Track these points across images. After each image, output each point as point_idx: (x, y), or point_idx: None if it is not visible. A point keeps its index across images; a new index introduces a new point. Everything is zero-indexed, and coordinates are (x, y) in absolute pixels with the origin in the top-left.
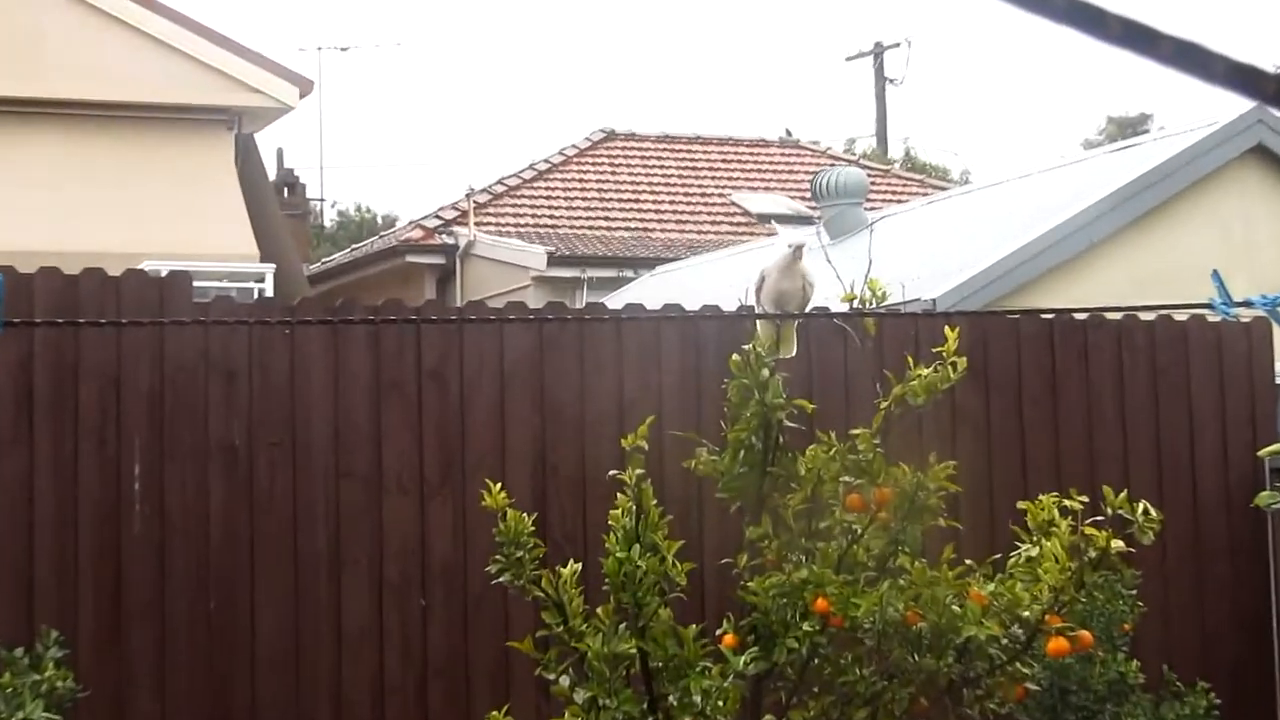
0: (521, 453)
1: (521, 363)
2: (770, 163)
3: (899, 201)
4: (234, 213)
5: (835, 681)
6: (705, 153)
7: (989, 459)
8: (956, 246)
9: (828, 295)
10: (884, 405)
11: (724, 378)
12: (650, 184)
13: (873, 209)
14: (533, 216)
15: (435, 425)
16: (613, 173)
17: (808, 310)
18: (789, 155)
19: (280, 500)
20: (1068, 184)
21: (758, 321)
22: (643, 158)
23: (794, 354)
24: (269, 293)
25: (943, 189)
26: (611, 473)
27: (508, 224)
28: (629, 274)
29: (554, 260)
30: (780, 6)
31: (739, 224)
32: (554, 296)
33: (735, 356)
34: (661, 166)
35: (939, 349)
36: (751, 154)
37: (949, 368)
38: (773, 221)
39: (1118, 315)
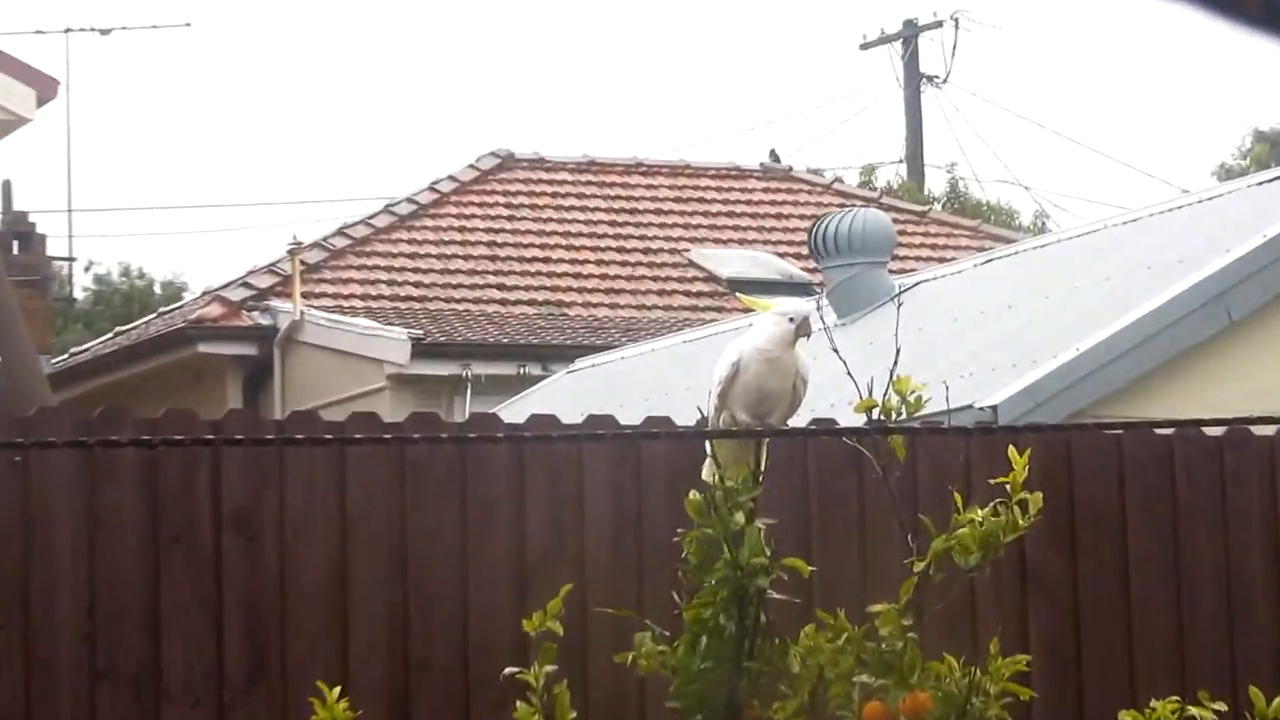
0: (373, 639)
1: (373, 504)
2: (748, 202)
3: (941, 260)
4: None
5: None
6: (650, 188)
7: (1077, 646)
8: (1027, 328)
9: (835, 401)
10: (919, 566)
11: (677, 525)
12: (567, 235)
13: (902, 272)
14: (390, 284)
15: (242, 598)
16: (510, 218)
17: (801, 424)
18: (776, 191)
19: (6, 712)
20: (1194, 231)
21: (716, 436)
22: (555, 195)
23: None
24: None
25: (1006, 240)
26: (508, 670)
27: (352, 295)
28: (534, 370)
29: (422, 349)
30: None
31: (699, 294)
32: (423, 404)
33: (694, 494)
34: (584, 209)
35: (1001, 480)
36: (719, 190)
37: (1015, 510)
38: (750, 290)
39: (1270, 429)
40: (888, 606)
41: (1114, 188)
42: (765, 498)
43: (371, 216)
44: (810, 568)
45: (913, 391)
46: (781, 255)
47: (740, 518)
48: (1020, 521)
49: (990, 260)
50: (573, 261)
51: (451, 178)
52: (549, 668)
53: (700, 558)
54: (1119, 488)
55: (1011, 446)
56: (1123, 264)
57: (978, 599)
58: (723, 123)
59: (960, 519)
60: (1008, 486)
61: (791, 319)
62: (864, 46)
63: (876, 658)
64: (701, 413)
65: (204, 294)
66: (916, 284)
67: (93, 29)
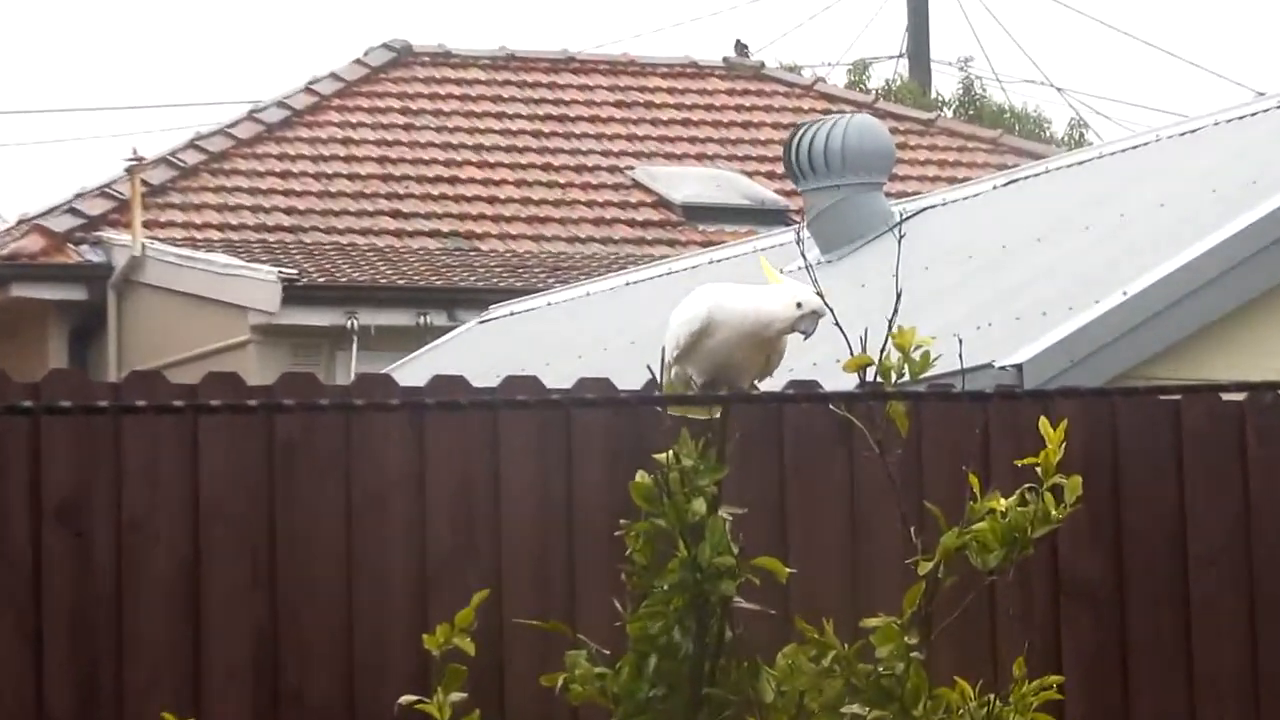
0: (233, 662)
1: (233, 490)
2: (707, 107)
3: (951, 180)
4: None
5: None
6: (584, 89)
7: (1122, 667)
8: (1061, 266)
9: (818, 359)
10: (926, 568)
11: (620, 516)
12: (479, 148)
13: (902, 195)
14: (255, 211)
15: (68, 611)
16: (408, 127)
17: (777, 387)
18: (742, 93)
19: None
20: (1271, 145)
21: (670, 390)
22: (464, 98)
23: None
24: None
25: (1034, 155)
26: (404, 699)
27: (208, 225)
28: (438, 319)
29: (296, 293)
30: None
31: (646, 223)
32: (298, 362)
33: (642, 476)
34: (501, 115)
35: (1029, 460)
36: (672, 92)
37: (1047, 497)
38: (710, 218)
39: None
40: (886, 620)
41: (1169, 90)
42: (732, 480)
43: (232, 125)
44: (788, 570)
45: (917, 346)
46: (750, 174)
47: (700, 506)
48: (1053, 512)
49: (1014, 180)
50: (486, 182)
51: (334, 76)
52: (457, 695)
53: (649, 556)
54: (1176, 468)
55: (1042, 416)
56: (1181, 186)
57: (999, 609)
58: (676, 7)
59: (978, 508)
60: (1038, 467)
61: (800, 304)
62: None
63: (871, 683)
64: (652, 372)
65: (19, 223)
66: (921, 210)
67: None
